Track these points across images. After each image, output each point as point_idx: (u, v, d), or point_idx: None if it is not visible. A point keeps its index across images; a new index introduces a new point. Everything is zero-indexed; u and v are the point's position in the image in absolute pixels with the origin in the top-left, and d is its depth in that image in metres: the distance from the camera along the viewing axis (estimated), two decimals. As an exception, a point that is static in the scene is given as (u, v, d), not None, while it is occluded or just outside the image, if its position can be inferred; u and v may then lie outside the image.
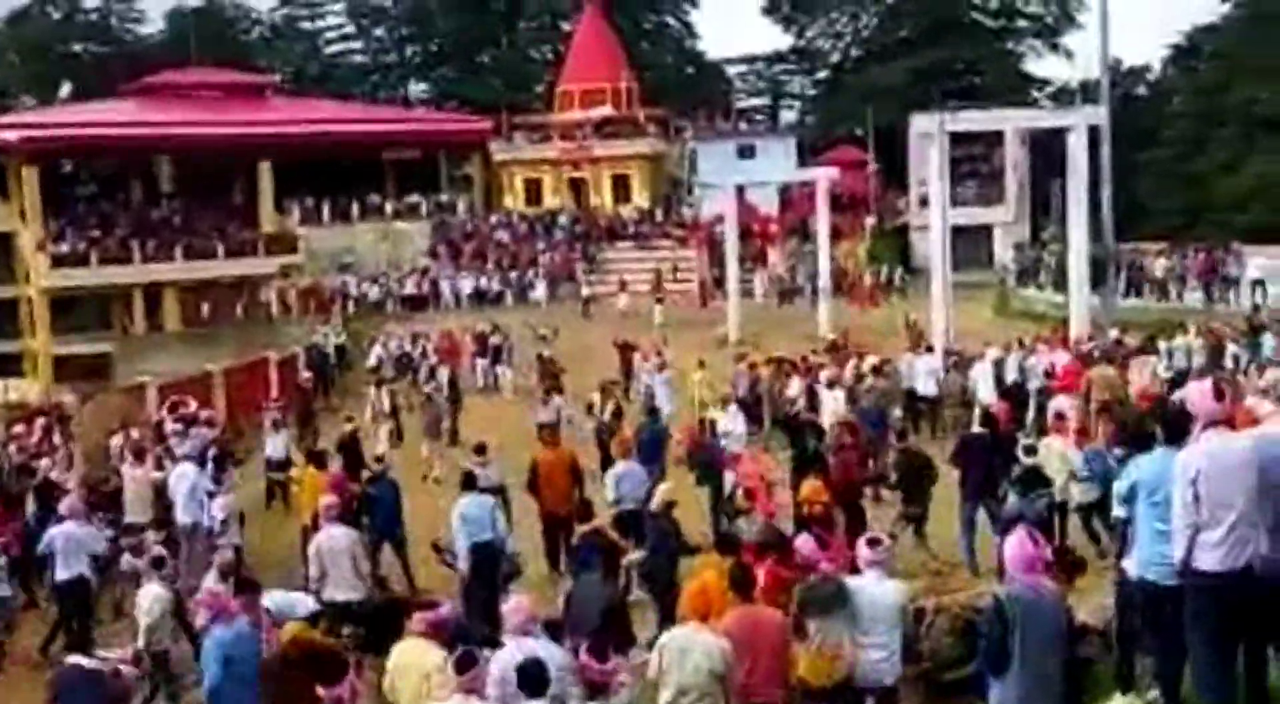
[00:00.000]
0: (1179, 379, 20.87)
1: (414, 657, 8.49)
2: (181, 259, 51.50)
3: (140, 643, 11.93)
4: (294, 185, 55.83)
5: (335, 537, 12.68)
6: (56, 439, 21.51)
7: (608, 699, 7.75)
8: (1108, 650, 9.30)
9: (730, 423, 19.07)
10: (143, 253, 51.24)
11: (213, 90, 60.20)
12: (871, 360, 23.23)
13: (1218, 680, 7.41)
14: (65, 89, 70.52)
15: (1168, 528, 7.52)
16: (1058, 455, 14.33)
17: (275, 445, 20.47)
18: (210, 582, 12.05)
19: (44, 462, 18.71)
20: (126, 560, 14.39)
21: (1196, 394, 7.63)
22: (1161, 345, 24.82)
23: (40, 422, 22.69)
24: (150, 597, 12.02)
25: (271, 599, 12.00)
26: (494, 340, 32.90)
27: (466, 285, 51.57)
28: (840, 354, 25.34)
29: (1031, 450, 13.91)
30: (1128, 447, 11.47)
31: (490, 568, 13.27)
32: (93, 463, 19.59)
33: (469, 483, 13.78)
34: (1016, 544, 7.20)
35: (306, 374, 29.19)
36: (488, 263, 53.68)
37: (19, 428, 22.29)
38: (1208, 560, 7.27)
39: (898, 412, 21.19)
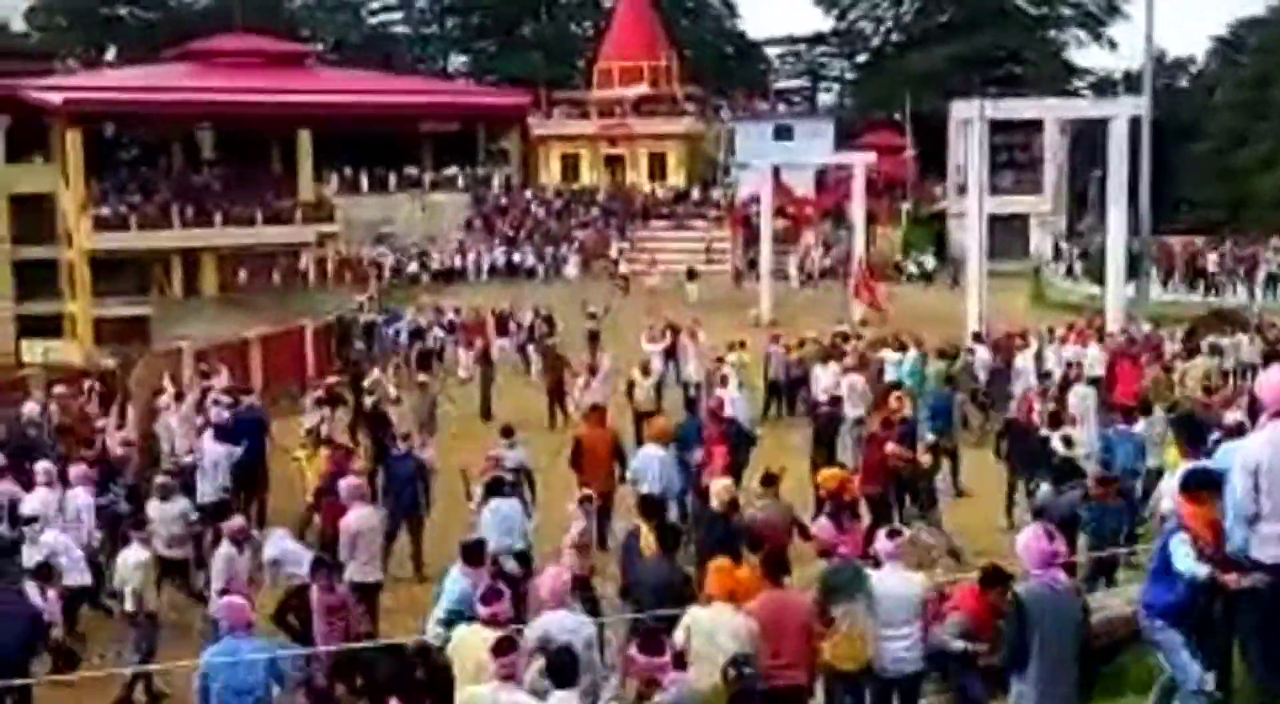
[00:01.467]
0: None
1: (475, 642, 8.05)
2: (220, 225, 51.73)
3: (130, 607, 11.95)
4: (333, 155, 56.02)
5: (364, 517, 12.76)
6: (95, 402, 21.76)
7: (653, 694, 7.16)
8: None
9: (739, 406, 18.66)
10: (182, 218, 51.49)
11: (255, 58, 60.23)
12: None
13: (1272, 670, 7.43)
14: (110, 53, 70.88)
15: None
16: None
17: (312, 422, 20.54)
18: (222, 551, 11.90)
19: (100, 423, 19.01)
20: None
21: (1264, 383, 7.66)
22: (1210, 341, 24.65)
23: (88, 384, 22.98)
24: (132, 563, 11.95)
25: (279, 545, 12.27)
26: (526, 319, 32.36)
27: (500, 259, 51.72)
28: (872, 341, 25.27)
29: (1069, 442, 14.04)
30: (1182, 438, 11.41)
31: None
32: (144, 426, 19.75)
33: (495, 488, 13.40)
34: (1031, 539, 7.28)
35: (360, 344, 29.25)
36: (521, 237, 53.88)
37: (60, 388, 22.47)
38: (1266, 553, 7.26)
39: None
